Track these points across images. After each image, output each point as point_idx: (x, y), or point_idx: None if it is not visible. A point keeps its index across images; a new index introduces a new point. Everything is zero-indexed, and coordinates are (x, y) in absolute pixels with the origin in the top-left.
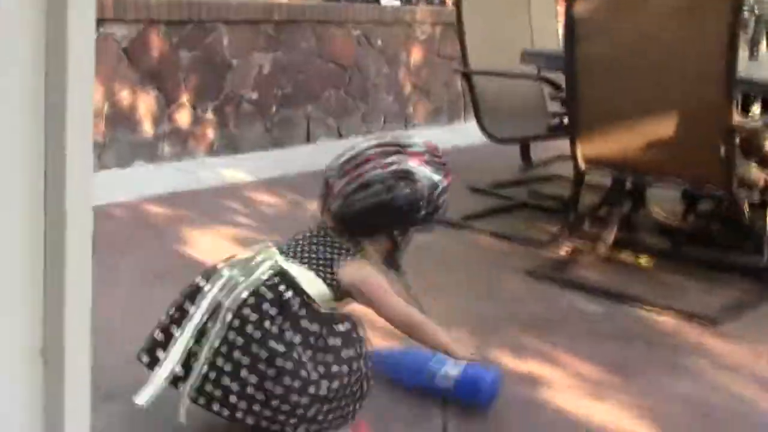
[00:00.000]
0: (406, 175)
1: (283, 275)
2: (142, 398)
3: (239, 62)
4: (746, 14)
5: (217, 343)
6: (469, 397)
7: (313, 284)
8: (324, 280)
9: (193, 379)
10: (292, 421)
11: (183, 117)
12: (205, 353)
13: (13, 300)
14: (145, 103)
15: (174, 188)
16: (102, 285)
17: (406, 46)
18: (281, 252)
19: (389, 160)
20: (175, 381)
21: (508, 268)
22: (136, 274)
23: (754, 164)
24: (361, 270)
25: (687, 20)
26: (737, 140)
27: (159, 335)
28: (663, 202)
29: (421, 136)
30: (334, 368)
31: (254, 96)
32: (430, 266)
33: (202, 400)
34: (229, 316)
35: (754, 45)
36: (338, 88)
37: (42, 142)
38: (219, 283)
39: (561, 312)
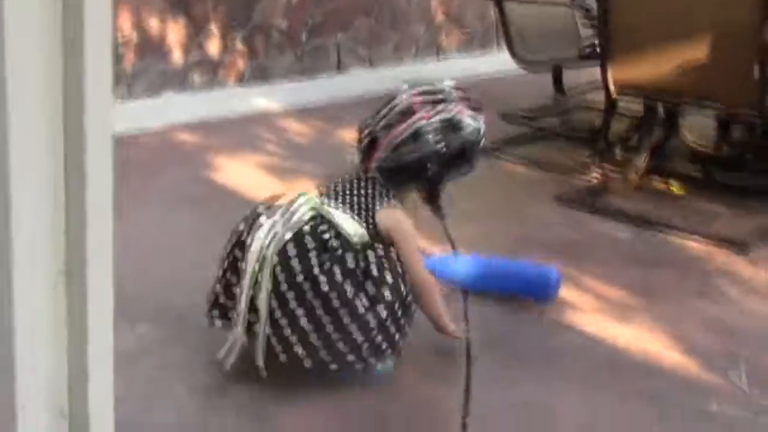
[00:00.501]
0: (455, 124)
1: (322, 218)
2: (227, 362)
3: None
4: None
5: (268, 297)
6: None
7: (352, 226)
8: (363, 222)
9: (261, 333)
10: (350, 357)
11: (212, 46)
12: (263, 309)
13: (36, 223)
14: (174, 32)
15: (204, 117)
16: (131, 208)
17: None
18: (321, 195)
19: (436, 109)
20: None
21: (538, 194)
22: (165, 198)
23: None
24: (396, 216)
25: None
26: None
27: (221, 296)
28: (696, 129)
29: (453, 65)
30: (379, 297)
31: (284, 25)
32: (460, 192)
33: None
34: (276, 267)
35: None
36: (369, 16)
37: (60, 71)
38: (260, 234)
39: (589, 237)
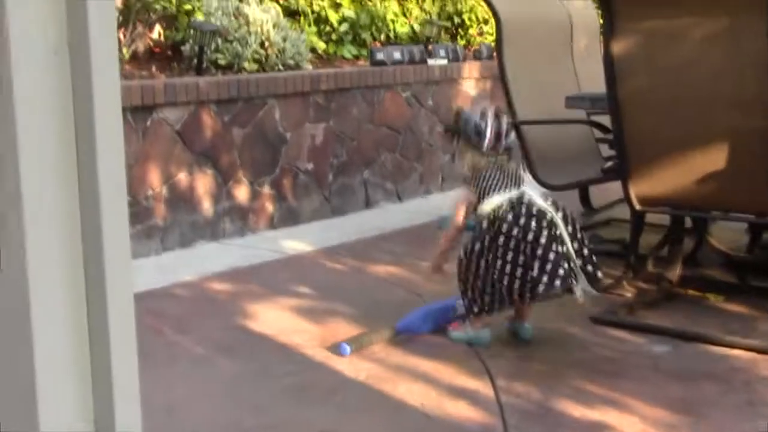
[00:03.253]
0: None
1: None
2: (583, 295)
3: (292, 134)
4: None
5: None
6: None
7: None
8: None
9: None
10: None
11: (241, 193)
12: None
13: (62, 382)
14: (203, 183)
15: (236, 264)
16: (165, 360)
17: (457, 103)
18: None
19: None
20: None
21: (572, 314)
22: (199, 349)
23: None
24: None
25: (726, 45)
26: None
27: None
28: (726, 234)
29: None
30: None
31: (310, 166)
32: (494, 317)
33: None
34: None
35: None
36: (393, 151)
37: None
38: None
39: (627, 355)
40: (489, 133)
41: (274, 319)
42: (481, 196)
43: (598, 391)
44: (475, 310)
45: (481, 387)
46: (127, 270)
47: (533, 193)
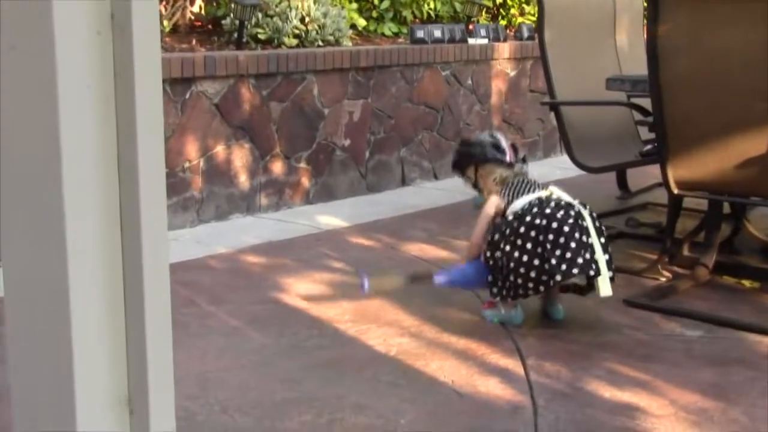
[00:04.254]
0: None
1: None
2: (607, 290)
3: (330, 110)
4: None
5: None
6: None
7: None
8: None
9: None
10: None
11: (277, 168)
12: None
13: (98, 352)
14: (240, 157)
15: (270, 238)
16: (198, 331)
17: (496, 83)
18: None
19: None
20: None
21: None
22: (232, 321)
23: None
24: None
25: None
26: None
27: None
28: (765, 221)
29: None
30: None
31: (347, 143)
32: (529, 302)
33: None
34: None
35: None
36: (431, 129)
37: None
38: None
39: (660, 339)
40: (505, 144)
41: (305, 292)
42: (509, 202)
43: (629, 374)
44: (496, 292)
45: (512, 365)
46: (163, 241)
47: (561, 192)
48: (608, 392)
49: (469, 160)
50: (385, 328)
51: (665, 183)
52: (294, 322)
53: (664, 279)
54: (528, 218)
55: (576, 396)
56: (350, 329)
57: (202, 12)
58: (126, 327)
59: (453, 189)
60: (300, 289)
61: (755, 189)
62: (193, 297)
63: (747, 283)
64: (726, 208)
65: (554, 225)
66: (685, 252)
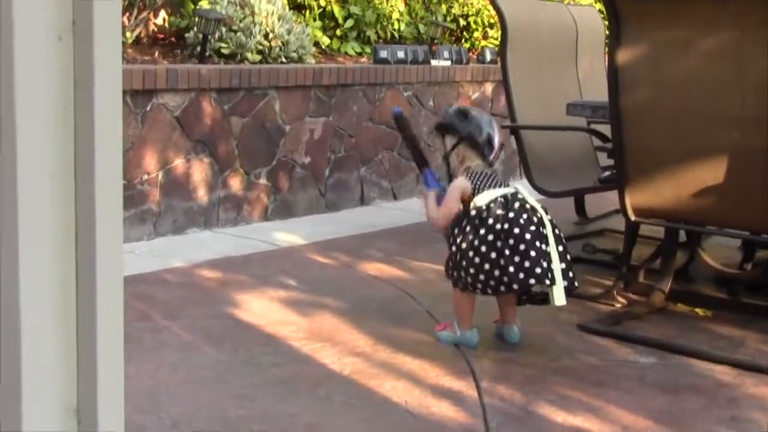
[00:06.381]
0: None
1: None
2: (561, 300)
3: (291, 127)
4: None
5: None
6: None
7: None
8: None
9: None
10: None
11: (236, 183)
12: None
13: (47, 361)
14: (199, 171)
15: (228, 253)
16: (152, 345)
17: (456, 104)
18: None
19: None
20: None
21: (560, 321)
22: (186, 336)
23: None
24: None
25: (731, 61)
26: None
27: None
28: (720, 250)
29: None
30: None
31: (307, 160)
32: (483, 319)
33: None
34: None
35: None
36: (391, 149)
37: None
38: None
39: (613, 365)
40: (497, 142)
41: (262, 309)
42: (476, 189)
43: (581, 399)
44: (450, 277)
45: (465, 388)
46: (118, 253)
47: (525, 192)
48: (560, 417)
49: (456, 133)
50: (339, 347)
51: (623, 209)
52: (248, 339)
53: (619, 305)
54: (490, 221)
55: (528, 420)
56: (304, 347)
57: (166, 24)
58: (77, 338)
59: (412, 210)
60: (255, 306)
61: (711, 218)
62: (148, 311)
63: (700, 311)
64: (681, 236)
65: (516, 230)
66: (641, 279)
